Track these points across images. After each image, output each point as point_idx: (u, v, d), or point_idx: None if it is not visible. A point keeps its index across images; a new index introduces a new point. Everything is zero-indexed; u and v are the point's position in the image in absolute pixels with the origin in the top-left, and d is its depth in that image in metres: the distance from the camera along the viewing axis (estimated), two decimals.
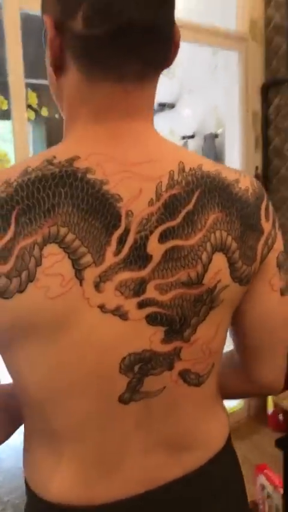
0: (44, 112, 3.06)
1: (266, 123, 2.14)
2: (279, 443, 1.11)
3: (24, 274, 0.45)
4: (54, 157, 0.48)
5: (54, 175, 0.47)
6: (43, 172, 0.47)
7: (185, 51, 1.70)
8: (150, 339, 0.51)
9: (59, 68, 0.51)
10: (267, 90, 2.12)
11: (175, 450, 0.57)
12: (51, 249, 0.46)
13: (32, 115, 2.93)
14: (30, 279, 0.45)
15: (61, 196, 0.46)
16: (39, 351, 0.49)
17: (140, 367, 0.51)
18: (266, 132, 2.15)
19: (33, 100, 3.09)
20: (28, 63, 1.49)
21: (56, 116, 3.10)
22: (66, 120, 0.54)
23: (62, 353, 0.49)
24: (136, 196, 0.48)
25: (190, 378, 0.54)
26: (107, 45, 0.47)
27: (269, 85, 2.11)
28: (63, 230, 0.46)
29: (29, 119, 1.87)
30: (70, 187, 0.47)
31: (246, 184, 0.55)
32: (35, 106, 3.07)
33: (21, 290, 0.46)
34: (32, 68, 1.63)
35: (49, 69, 0.54)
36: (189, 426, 0.57)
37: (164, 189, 0.49)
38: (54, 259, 0.46)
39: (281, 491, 1.39)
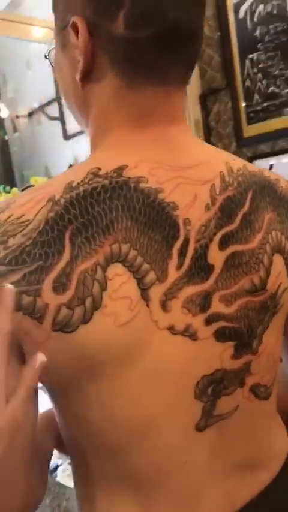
0: None
1: (208, 130, 2.20)
2: None
3: (88, 302, 0.40)
4: (99, 169, 0.43)
5: (105, 188, 0.42)
6: (92, 186, 0.42)
7: None
8: (221, 357, 0.47)
9: (88, 75, 0.47)
10: (205, 99, 2.19)
11: (251, 469, 0.53)
12: (116, 269, 0.41)
13: None
14: (96, 306, 0.40)
15: (118, 209, 0.42)
16: (108, 389, 0.43)
17: (213, 389, 0.47)
18: (208, 139, 2.21)
19: None
20: None
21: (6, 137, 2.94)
22: (97, 128, 0.49)
23: (136, 387, 0.43)
24: (191, 202, 0.45)
25: (260, 392, 0.51)
26: (152, 48, 0.44)
27: (206, 94, 2.18)
28: (125, 247, 0.41)
29: None
30: (125, 199, 0.42)
31: (285, 183, 0.54)
32: None
33: (86, 320, 0.40)
34: None
35: (70, 77, 0.49)
36: (262, 442, 0.54)
37: (218, 192, 0.47)
38: (120, 281, 0.41)
39: None
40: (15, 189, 2.16)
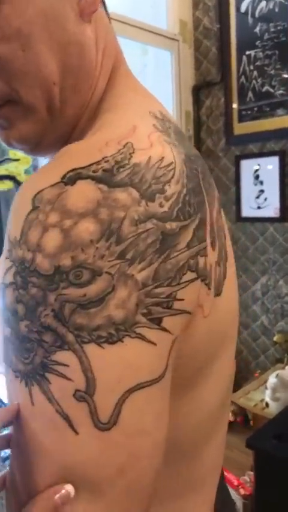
0: None
1: (198, 124, 2.16)
2: (249, 443, 1.08)
3: (224, 254, 0.35)
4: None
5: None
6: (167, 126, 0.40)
7: None
8: None
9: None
10: (198, 92, 2.14)
11: None
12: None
13: None
14: (226, 257, 0.36)
15: None
16: (218, 376, 0.37)
17: None
18: (198, 133, 2.17)
19: None
20: None
21: None
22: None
23: (222, 374, 0.38)
24: None
25: None
26: None
27: (200, 87, 2.13)
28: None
29: None
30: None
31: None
32: None
33: (225, 275, 0.35)
34: None
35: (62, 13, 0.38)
36: None
37: None
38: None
39: (242, 492, 1.36)
40: None
